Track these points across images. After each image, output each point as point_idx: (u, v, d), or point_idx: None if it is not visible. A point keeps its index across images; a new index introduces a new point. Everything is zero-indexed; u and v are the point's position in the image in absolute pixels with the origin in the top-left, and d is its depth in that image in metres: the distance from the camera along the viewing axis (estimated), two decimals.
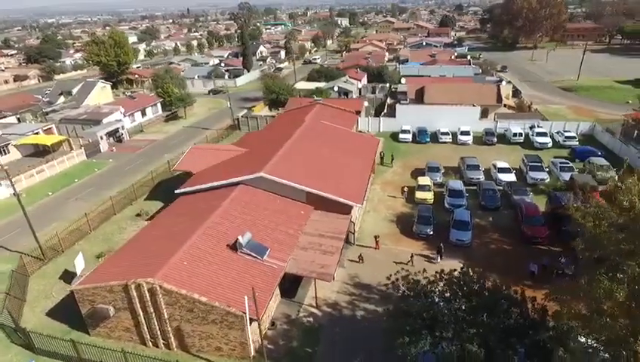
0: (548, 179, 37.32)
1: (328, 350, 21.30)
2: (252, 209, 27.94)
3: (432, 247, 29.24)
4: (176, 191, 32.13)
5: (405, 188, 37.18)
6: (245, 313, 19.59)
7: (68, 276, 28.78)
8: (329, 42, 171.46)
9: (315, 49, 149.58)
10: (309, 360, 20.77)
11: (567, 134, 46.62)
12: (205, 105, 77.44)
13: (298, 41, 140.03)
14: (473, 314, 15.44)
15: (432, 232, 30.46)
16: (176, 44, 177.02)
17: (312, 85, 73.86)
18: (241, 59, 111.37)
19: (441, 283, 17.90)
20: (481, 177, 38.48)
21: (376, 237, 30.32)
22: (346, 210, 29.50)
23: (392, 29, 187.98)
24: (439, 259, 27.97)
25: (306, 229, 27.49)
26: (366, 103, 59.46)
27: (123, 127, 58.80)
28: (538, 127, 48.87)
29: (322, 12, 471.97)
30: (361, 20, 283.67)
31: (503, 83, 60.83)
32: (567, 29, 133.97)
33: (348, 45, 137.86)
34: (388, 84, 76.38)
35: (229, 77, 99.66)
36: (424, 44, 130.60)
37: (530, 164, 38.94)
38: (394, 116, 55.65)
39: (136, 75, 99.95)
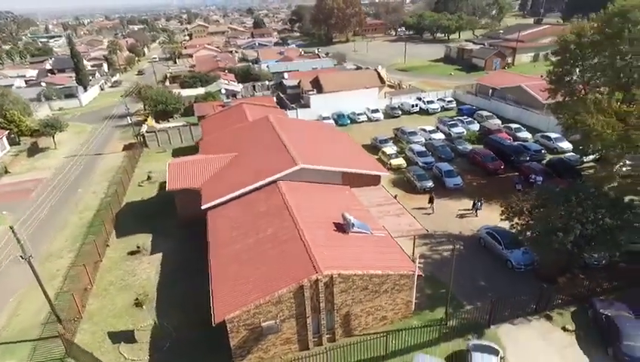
0: (465, 132, 48.38)
1: (458, 287, 24.74)
2: (312, 198, 28.34)
3: (440, 196, 35.41)
4: (204, 207, 28.96)
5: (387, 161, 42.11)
6: (415, 271, 21.59)
7: (119, 336, 23.26)
8: (146, 50, 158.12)
9: (138, 59, 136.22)
10: (452, 299, 24.00)
11: (447, 99, 60.06)
12: (67, 129, 63.96)
13: (124, 51, 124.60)
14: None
15: (432, 185, 36.59)
16: None
17: (197, 91, 70.11)
18: (64, 75, 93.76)
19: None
20: (423, 139, 46.84)
21: (395, 196, 34.52)
22: (376, 181, 32.88)
23: (208, 33, 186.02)
24: (432, 209, 33.76)
25: (364, 203, 29.71)
26: (274, 99, 61.26)
27: None
28: (423, 98, 60.98)
29: (99, 21, 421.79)
30: (161, 27, 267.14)
31: (379, 67, 71.84)
32: (365, 24, 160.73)
33: (178, 51, 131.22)
34: (267, 82, 78.77)
35: (62, 97, 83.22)
36: (257, 44, 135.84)
37: (449, 123, 49.54)
38: (308, 106, 59.55)
39: None
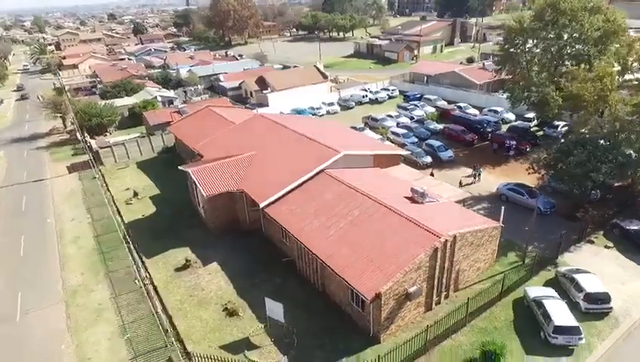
0: (424, 114, 54.12)
1: (512, 234, 28.63)
2: (365, 181, 29.68)
3: (442, 168, 39.82)
4: (262, 205, 28.17)
5: None
6: (500, 223, 25.00)
7: (236, 347, 21.91)
8: (8, 64, 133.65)
9: (6, 73, 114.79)
10: (513, 243, 28.00)
11: (391, 88, 65.65)
12: None
13: None
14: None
15: (431, 160, 40.75)
16: None
17: (134, 99, 63.36)
18: None
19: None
20: (394, 124, 51.00)
21: None
22: (397, 160, 35.64)
23: (80, 41, 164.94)
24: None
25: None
26: (229, 100, 59.34)
27: None
28: (369, 89, 65.62)
29: None
30: (10, 36, 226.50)
31: (317, 63, 73.97)
32: (262, 26, 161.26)
33: (59, 62, 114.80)
34: (199, 86, 74.99)
35: None
36: (153, 50, 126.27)
37: (409, 108, 54.77)
38: (266, 105, 59.22)
39: None
